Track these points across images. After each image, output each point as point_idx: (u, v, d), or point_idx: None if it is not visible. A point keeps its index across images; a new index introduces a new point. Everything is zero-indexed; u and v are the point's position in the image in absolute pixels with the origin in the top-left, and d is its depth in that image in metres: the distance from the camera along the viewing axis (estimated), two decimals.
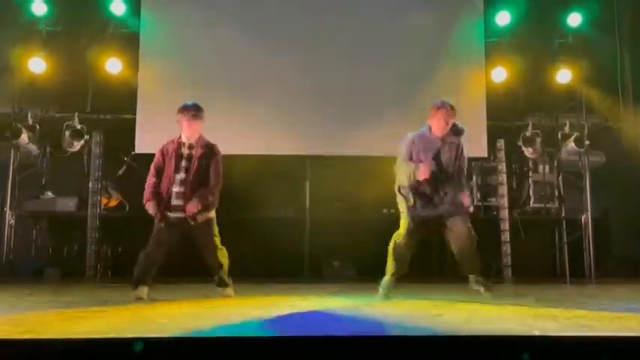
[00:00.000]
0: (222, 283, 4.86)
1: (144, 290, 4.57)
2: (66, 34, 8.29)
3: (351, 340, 2.25)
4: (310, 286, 6.55)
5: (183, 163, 4.68)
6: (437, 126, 4.64)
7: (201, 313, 3.33)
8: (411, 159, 4.64)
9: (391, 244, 4.63)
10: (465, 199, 4.64)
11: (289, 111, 8.15)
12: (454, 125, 4.70)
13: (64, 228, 8.46)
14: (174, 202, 4.65)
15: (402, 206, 4.66)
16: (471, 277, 4.64)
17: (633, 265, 8.33)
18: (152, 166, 4.79)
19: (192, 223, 4.62)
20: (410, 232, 4.56)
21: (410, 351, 2.17)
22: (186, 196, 4.62)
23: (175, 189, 4.65)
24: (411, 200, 4.57)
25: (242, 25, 8.22)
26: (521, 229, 8.20)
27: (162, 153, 4.76)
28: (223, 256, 4.83)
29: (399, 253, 4.59)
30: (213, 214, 4.77)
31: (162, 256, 4.70)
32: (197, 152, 4.69)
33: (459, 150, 4.70)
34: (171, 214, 4.65)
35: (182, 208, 4.62)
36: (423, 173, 4.45)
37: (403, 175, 4.61)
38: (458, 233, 4.51)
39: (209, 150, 4.74)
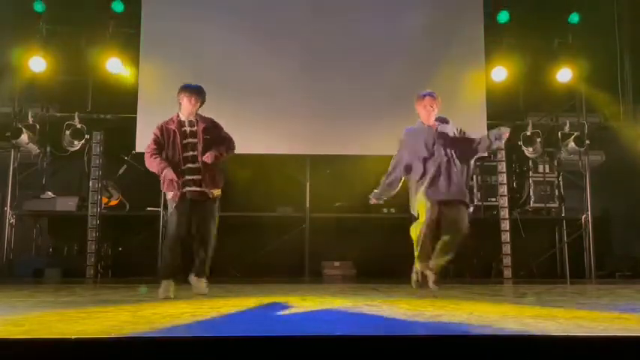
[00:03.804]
0: (201, 272, 4.79)
1: (169, 285, 4.52)
2: (66, 33, 8.30)
3: (351, 340, 2.25)
4: (310, 286, 6.55)
5: (189, 139, 4.74)
6: (424, 113, 4.92)
7: (201, 313, 3.33)
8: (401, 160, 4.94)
9: (415, 232, 4.74)
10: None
11: (289, 111, 8.15)
12: (439, 118, 4.94)
13: (64, 228, 8.46)
14: (186, 177, 4.66)
15: (417, 197, 4.80)
16: (430, 263, 4.70)
17: (633, 264, 8.32)
18: (152, 143, 4.76)
19: (211, 197, 4.69)
20: (429, 215, 4.66)
21: (410, 351, 2.17)
22: (198, 171, 4.67)
23: (185, 166, 4.68)
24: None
25: (243, 25, 8.22)
26: (521, 229, 8.19)
27: (162, 131, 4.77)
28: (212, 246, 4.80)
29: (424, 237, 4.69)
30: (219, 192, 4.82)
31: (184, 239, 4.67)
32: (200, 126, 4.78)
33: (457, 133, 4.91)
34: (184, 189, 4.65)
35: (195, 183, 4.66)
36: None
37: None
38: (454, 219, 4.67)
39: (209, 122, 4.86)
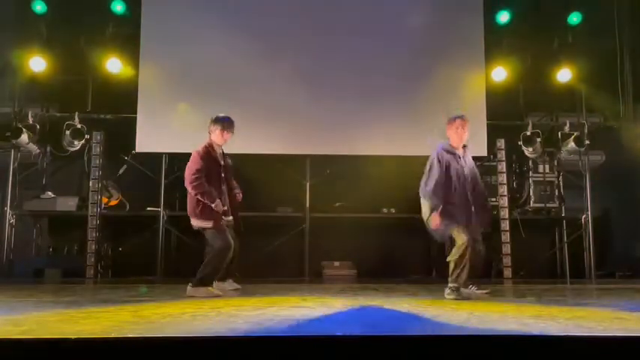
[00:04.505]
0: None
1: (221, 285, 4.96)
2: (66, 33, 8.30)
3: (351, 340, 2.25)
4: (310, 286, 6.55)
5: (223, 173, 5.09)
6: (455, 136, 4.95)
7: (202, 313, 3.33)
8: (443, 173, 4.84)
9: (463, 253, 4.70)
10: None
11: (289, 111, 8.14)
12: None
13: (64, 228, 8.46)
14: (225, 207, 5.02)
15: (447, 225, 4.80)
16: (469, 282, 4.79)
17: (633, 264, 8.32)
18: (201, 169, 4.89)
19: (241, 229, 5.21)
20: (467, 236, 4.71)
21: (410, 351, 2.17)
22: (226, 203, 5.06)
23: (222, 197, 4.99)
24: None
25: (243, 24, 8.21)
26: (521, 229, 8.19)
27: (208, 157, 4.98)
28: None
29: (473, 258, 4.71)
30: None
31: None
32: (227, 162, 5.18)
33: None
34: (225, 218, 5.03)
35: (227, 213, 5.05)
36: (434, 222, 4.74)
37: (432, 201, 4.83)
38: (478, 241, 4.79)
39: (229, 159, 5.26)
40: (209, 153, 4.98)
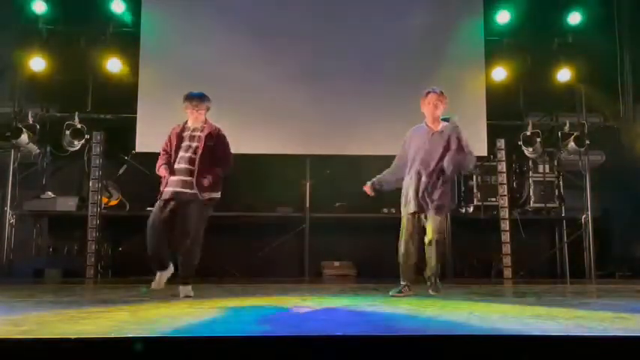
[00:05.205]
0: (182, 278, 4.83)
1: (159, 277, 4.77)
2: (66, 33, 8.31)
3: (351, 340, 2.25)
4: (310, 286, 6.55)
5: (188, 143, 4.80)
6: (428, 112, 4.79)
7: (202, 313, 3.33)
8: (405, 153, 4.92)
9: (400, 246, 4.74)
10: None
11: (290, 111, 8.15)
12: (443, 118, 4.81)
13: (64, 228, 8.46)
14: (176, 176, 4.72)
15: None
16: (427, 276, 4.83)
17: (633, 264, 8.32)
18: (163, 145, 4.93)
19: (201, 199, 4.68)
20: (405, 228, 4.75)
21: (410, 351, 2.17)
22: (190, 173, 4.71)
23: (178, 166, 4.74)
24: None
25: (243, 24, 8.23)
26: (521, 229, 8.19)
27: (170, 136, 4.93)
28: (196, 251, 4.76)
29: (404, 251, 4.72)
30: (218, 194, 4.83)
31: (160, 232, 4.76)
32: (204, 132, 4.84)
33: (449, 142, 4.70)
34: (170, 189, 4.71)
35: (185, 184, 4.68)
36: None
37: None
38: (424, 227, 4.72)
39: (215, 131, 4.89)
40: (173, 130, 4.91)
